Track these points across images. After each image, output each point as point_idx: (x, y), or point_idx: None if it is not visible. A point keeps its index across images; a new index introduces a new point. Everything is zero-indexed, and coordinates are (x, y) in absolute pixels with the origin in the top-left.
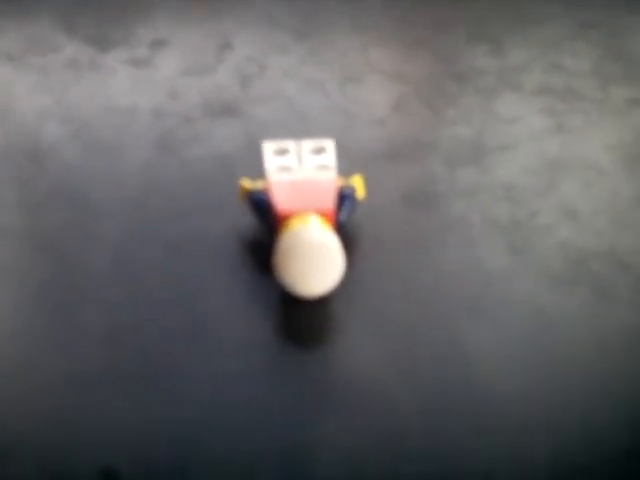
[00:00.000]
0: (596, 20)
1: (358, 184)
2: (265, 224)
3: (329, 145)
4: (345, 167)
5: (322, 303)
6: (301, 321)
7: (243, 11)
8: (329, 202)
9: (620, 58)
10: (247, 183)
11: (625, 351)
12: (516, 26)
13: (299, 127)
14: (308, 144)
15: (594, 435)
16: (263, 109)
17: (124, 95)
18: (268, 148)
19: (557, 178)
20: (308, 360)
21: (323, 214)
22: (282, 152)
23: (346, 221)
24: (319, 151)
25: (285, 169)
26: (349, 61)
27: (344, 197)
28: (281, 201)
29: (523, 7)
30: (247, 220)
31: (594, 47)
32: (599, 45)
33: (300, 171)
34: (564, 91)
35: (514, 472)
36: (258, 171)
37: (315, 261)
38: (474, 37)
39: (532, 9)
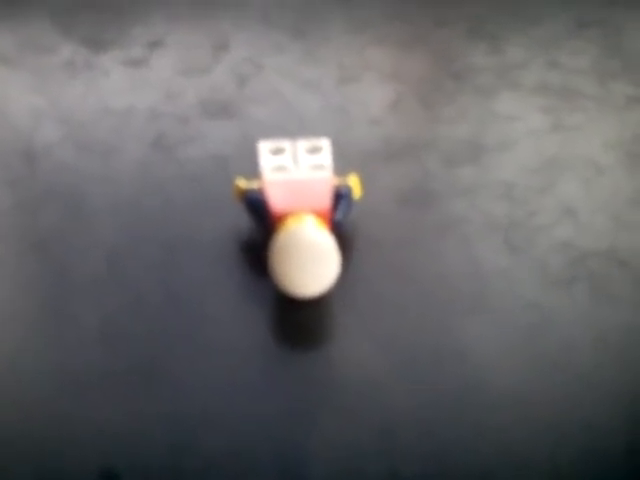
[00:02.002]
0: (594, 18)
1: (354, 183)
2: (261, 224)
3: (325, 144)
4: (342, 166)
5: (318, 303)
6: (297, 322)
7: (239, 11)
8: (325, 202)
9: (618, 55)
10: (242, 183)
11: (623, 350)
12: (515, 24)
13: (295, 127)
14: (304, 144)
15: (593, 434)
16: (259, 109)
17: (120, 96)
18: (264, 148)
19: (556, 177)
20: (304, 361)
21: (319, 214)
22: (278, 152)
23: (342, 221)
24: (315, 150)
25: (281, 169)
26: (345, 60)
27: (340, 196)
28: (276, 201)
29: (521, 5)
30: (243, 220)
31: (592, 45)
32: (597, 43)
33: (296, 171)
34: (563, 89)
35: (512, 472)
36: (254, 171)
37: (310, 261)
38: (472, 35)
39: (530, 7)
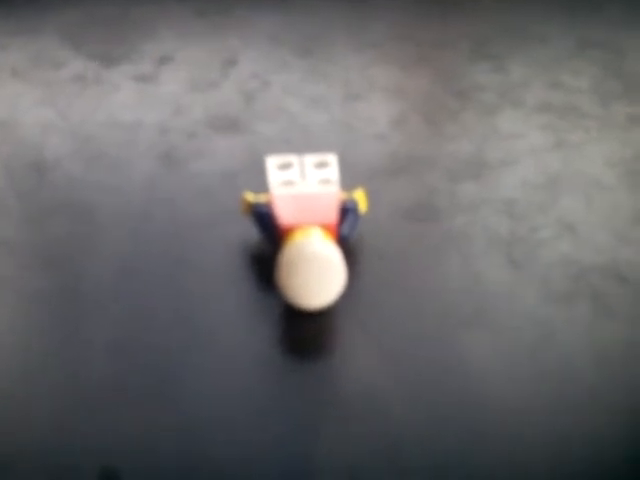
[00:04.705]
0: (596, 39)
1: (360, 198)
2: (268, 237)
3: (332, 159)
4: (347, 181)
5: (323, 316)
6: (302, 333)
7: (247, 28)
8: (332, 215)
9: (620, 76)
10: (250, 196)
11: (624, 364)
12: (517, 44)
13: (302, 142)
14: (311, 158)
15: (593, 448)
16: (266, 125)
17: (129, 110)
18: (271, 162)
19: (558, 193)
20: (309, 372)
21: (325, 227)
22: (285, 166)
23: (349, 235)
24: (322, 165)
25: (288, 183)
26: (351, 78)
27: (346, 211)
28: (284, 214)
29: (525, 25)
30: (250, 233)
31: (594, 65)
32: (599, 63)
33: (303, 185)
34: (565, 108)
35: None
36: (261, 186)
37: (316, 274)
38: (476, 54)
39: (533, 28)
